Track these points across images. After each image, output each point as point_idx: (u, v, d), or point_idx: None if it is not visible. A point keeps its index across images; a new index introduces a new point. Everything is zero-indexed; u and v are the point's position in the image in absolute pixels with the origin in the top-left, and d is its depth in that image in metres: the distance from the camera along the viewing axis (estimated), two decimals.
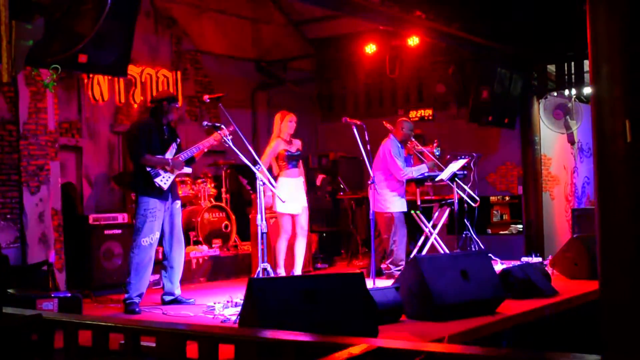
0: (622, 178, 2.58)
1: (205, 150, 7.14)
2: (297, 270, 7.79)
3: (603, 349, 2.67)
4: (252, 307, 4.37)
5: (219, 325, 5.66)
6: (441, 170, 8.64)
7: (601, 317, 2.72)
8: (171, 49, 11.01)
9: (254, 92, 12.66)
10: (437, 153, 8.71)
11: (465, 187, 8.88)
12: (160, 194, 6.67)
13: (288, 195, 7.41)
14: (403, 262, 8.33)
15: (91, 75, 9.60)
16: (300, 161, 7.88)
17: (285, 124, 7.70)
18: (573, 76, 11.00)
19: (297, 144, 7.80)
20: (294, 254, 7.82)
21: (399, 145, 8.54)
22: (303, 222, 7.79)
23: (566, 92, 11.35)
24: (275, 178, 7.65)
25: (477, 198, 8.93)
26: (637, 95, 2.50)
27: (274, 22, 12.60)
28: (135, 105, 10.23)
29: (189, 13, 11.33)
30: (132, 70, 10.07)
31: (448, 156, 9.60)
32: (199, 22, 11.54)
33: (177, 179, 9.21)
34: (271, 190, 7.04)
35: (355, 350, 2.84)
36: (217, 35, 11.83)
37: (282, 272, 7.68)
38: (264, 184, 6.55)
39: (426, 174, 8.51)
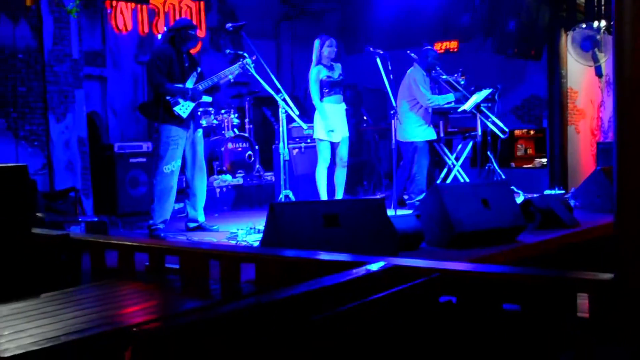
0: None
1: (231, 79, 7.15)
2: None
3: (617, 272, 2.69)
4: (273, 231, 4.45)
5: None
6: (465, 99, 8.59)
7: (616, 247, 2.74)
8: None
9: (277, 23, 12.56)
10: (462, 82, 8.65)
11: (493, 117, 8.78)
12: (181, 122, 6.73)
13: (328, 123, 7.42)
14: (424, 192, 8.37)
15: (114, 5, 9.58)
16: (342, 88, 7.82)
17: (325, 48, 7.62)
18: (603, 7, 10.77)
19: (338, 68, 7.74)
20: (333, 185, 7.84)
21: (424, 74, 8.49)
22: (342, 152, 7.74)
23: (595, 23, 11.12)
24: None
25: (507, 129, 8.85)
26: None
27: None
28: (159, 36, 10.22)
29: None
30: (156, 0, 10.04)
31: (472, 88, 9.52)
32: None
33: (201, 109, 9.29)
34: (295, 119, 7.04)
35: (373, 267, 2.91)
36: None
37: None
38: (286, 112, 6.57)
39: (453, 104, 8.47)
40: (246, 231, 6.40)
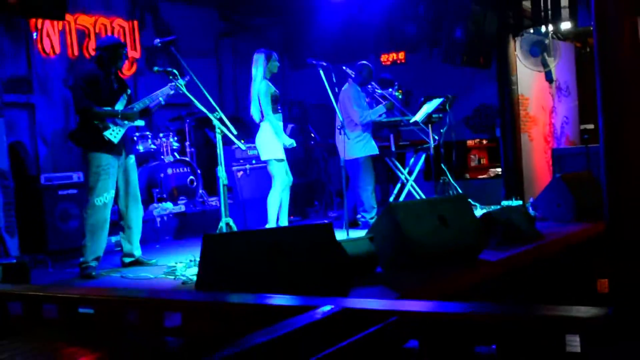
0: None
1: (162, 102, 6.62)
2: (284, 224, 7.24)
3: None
4: (209, 268, 3.92)
5: (178, 286, 5.22)
6: (400, 112, 8.27)
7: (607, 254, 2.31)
8: None
9: (217, 41, 12.05)
10: (400, 97, 8.33)
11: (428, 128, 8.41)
12: (112, 148, 6.15)
13: (281, 140, 6.99)
14: (375, 209, 7.93)
15: (39, 27, 8.98)
16: None
17: (272, 63, 7.15)
18: (549, 12, 10.53)
19: None
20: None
21: (359, 90, 8.10)
22: (287, 167, 7.30)
23: (543, 28, 10.90)
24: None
25: (436, 137, 8.50)
26: None
27: None
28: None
29: None
30: (85, 20, 9.50)
31: (422, 98, 9.13)
32: None
33: (137, 134, 8.70)
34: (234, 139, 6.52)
35: (319, 313, 2.41)
36: None
37: None
38: (223, 133, 6.07)
39: (384, 115, 8.13)
40: (186, 264, 5.85)
